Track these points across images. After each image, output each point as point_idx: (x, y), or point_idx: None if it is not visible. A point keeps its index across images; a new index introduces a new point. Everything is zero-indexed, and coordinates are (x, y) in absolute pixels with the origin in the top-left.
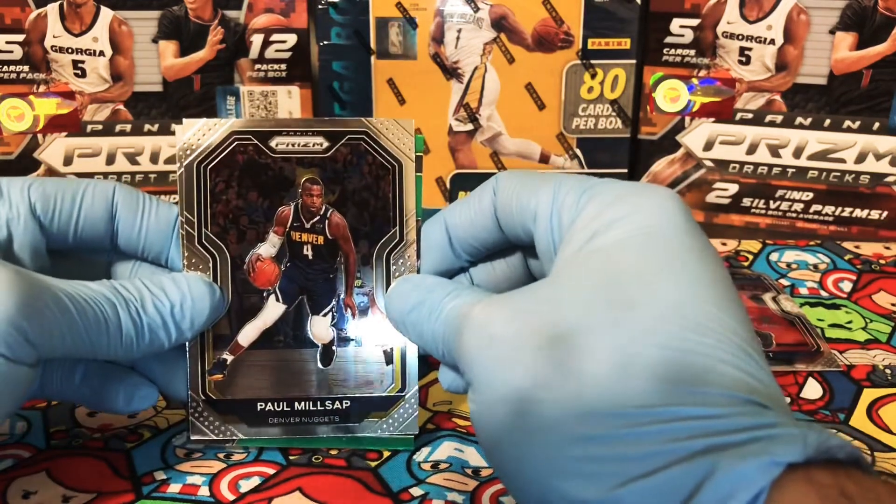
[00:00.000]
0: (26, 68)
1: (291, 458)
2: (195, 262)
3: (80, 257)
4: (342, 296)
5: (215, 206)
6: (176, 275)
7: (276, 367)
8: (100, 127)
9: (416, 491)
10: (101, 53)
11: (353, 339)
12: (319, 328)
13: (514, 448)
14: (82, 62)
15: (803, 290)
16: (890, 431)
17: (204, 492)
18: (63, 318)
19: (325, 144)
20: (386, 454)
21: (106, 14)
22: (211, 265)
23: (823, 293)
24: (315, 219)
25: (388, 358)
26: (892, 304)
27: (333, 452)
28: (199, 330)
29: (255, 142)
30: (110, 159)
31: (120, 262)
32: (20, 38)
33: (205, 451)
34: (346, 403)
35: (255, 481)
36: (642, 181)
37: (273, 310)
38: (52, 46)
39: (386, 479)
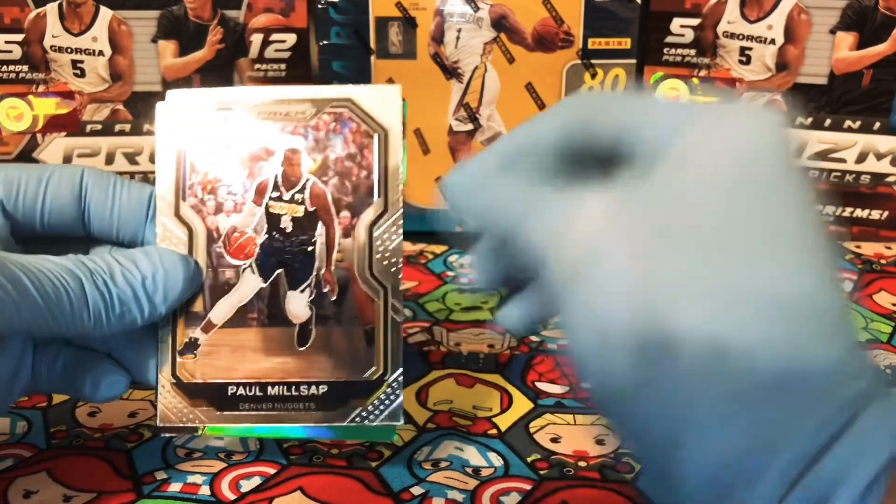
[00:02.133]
0: (25, 68)
1: (292, 457)
2: (170, 235)
3: (53, 246)
4: (321, 270)
5: (193, 176)
6: (148, 247)
7: (249, 348)
8: (99, 127)
9: (417, 490)
10: (101, 53)
11: (331, 318)
12: (296, 305)
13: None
14: (81, 62)
15: None
16: None
17: (205, 491)
18: (13, 290)
19: (309, 112)
20: (387, 454)
21: (105, 14)
22: (187, 238)
23: None
24: (295, 189)
25: (370, 338)
26: (893, 304)
27: (334, 452)
28: (173, 304)
29: (237, 110)
30: (109, 159)
31: (96, 249)
32: (19, 37)
33: (206, 450)
34: (324, 388)
35: (256, 481)
36: None
37: (249, 284)
38: (51, 46)
39: (386, 478)
